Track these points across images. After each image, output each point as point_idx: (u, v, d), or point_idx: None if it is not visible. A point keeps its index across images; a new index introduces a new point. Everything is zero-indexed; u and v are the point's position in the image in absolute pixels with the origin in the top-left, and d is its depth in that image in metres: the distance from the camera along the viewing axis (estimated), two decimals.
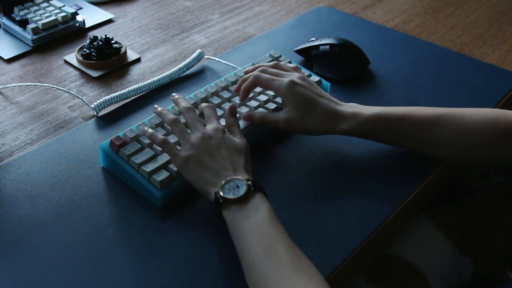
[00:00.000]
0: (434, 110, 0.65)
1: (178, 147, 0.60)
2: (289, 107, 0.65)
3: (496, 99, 0.81)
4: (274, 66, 0.71)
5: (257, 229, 0.51)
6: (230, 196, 0.54)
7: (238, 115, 0.69)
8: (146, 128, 0.64)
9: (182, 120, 0.65)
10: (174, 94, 0.68)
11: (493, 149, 0.64)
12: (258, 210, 0.53)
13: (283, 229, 0.52)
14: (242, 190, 0.54)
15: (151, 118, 0.67)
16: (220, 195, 0.54)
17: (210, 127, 0.61)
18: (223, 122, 0.66)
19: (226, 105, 0.71)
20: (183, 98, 0.67)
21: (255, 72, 0.68)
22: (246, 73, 0.74)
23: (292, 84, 0.65)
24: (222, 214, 0.54)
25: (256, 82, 0.68)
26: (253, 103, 0.72)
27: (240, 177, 0.55)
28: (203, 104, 0.66)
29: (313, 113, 0.65)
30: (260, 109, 0.71)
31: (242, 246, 0.52)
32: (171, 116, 0.63)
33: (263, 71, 0.69)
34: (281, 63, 0.72)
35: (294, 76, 0.67)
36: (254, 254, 0.50)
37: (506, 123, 0.63)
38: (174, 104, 0.70)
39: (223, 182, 0.55)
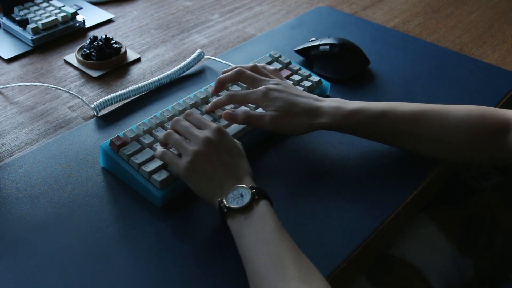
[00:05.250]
0: (418, 106, 0.65)
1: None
2: (271, 112, 0.65)
3: (496, 99, 0.81)
4: (252, 69, 0.70)
5: (263, 238, 0.51)
6: (234, 205, 0.53)
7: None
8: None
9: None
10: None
11: (478, 146, 0.64)
12: (264, 218, 0.52)
13: (289, 238, 0.52)
14: (246, 199, 0.53)
15: (151, 118, 0.67)
16: (224, 204, 0.54)
17: (207, 130, 0.59)
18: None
19: (226, 105, 0.71)
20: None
21: (228, 92, 0.67)
22: (223, 73, 0.71)
23: (268, 92, 0.65)
24: (227, 223, 0.54)
25: (230, 101, 0.67)
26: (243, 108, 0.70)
27: (244, 185, 0.55)
28: (186, 112, 0.63)
29: (294, 113, 0.64)
30: (243, 108, 0.70)
31: (248, 255, 0.51)
32: (162, 134, 0.61)
33: (239, 73, 0.68)
34: (260, 65, 0.71)
35: (269, 83, 0.66)
36: (261, 263, 0.49)
37: (491, 119, 0.63)
38: (174, 104, 0.70)
39: (227, 191, 0.55)
